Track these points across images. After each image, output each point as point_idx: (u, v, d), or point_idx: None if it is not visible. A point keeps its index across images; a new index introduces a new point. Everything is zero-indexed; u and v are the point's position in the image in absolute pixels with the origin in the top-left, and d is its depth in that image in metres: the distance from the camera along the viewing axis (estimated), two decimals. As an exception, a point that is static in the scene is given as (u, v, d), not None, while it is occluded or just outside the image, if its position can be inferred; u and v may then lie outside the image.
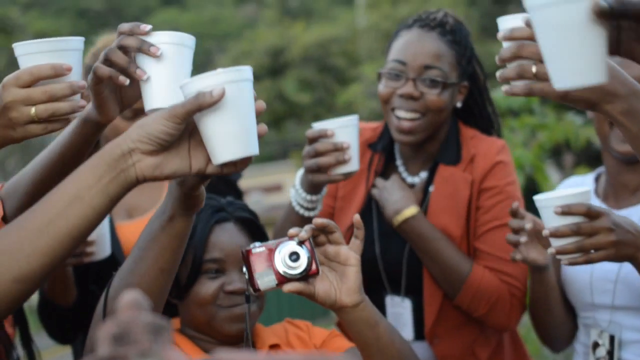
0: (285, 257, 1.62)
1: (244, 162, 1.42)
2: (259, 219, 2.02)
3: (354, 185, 2.46)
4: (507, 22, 1.57)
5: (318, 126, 2.18)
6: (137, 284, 1.53)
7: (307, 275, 1.63)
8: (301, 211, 2.26)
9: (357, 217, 1.68)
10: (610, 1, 1.28)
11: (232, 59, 20.52)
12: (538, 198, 1.91)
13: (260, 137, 1.42)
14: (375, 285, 2.38)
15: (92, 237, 2.25)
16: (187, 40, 1.62)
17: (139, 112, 2.31)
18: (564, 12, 1.29)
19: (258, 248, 1.64)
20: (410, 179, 2.44)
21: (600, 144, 2.31)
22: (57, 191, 1.35)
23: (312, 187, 2.22)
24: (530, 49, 1.49)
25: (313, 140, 2.16)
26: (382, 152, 2.48)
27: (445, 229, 2.32)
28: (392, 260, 2.38)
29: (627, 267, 2.14)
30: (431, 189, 2.37)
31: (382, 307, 2.38)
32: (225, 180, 2.68)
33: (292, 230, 1.64)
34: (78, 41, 1.65)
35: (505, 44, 1.54)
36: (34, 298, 2.17)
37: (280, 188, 21.19)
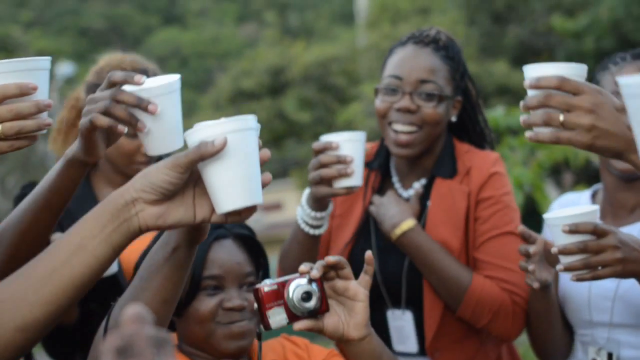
0: (297, 297, 1.62)
1: (248, 211, 1.40)
2: (257, 236, 2.02)
3: (352, 202, 2.48)
4: (534, 71, 1.62)
5: (325, 138, 2.19)
6: None
7: (317, 313, 1.64)
8: (307, 229, 2.27)
9: (369, 254, 1.68)
10: None
11: (232, 78, 20.51)
12: (548, 217, 1.95)
13: (265, 186, 1.40)
14: (376, 300, 2.39)
15: None
16: (177, 84, 1.65)
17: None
18: None
19: (269, 286, 1.63)
20: (405, 194, 2.46)
21: (599, 162, 2.33)
22: (62, 240, 1.35)
23: (317, 203, 2.23)
24: (557, 98, 1.58)
25: (319, 152, 2.18)
26: (378, 169, 2.50)
27: (444, 242, 2.33)
28: (391, 275, 2.39)
29: (625, 285, 2.15)
30: (429, 203, 2.39)
31: (384, 322, 2.40)
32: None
33: (303, 267, 1.64)
34: (45, 61, 1.67)
35: (531, 92, 1.62)
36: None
37: (280, 207, 21.15)
